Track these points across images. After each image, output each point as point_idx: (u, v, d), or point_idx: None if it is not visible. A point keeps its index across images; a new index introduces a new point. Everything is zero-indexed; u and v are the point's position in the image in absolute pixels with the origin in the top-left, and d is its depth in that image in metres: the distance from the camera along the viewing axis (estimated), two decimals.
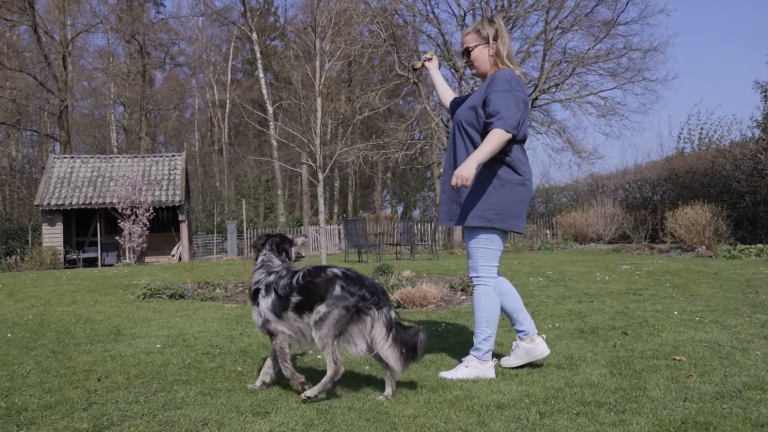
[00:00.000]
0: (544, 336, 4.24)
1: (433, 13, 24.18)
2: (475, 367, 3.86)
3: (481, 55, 3.99)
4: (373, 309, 3.42)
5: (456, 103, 4.27)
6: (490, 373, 3.85)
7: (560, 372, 3.87)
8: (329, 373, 3.38)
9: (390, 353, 3.40)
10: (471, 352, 3.94)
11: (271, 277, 3.69)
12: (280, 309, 3.58)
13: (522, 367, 4.06)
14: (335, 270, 3.56)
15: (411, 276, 9.92)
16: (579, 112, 26.25)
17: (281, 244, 3.93)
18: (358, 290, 3.44)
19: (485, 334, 3.92)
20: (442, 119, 23.15)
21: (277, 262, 3.85)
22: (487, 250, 3.92)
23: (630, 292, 7.56)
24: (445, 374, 3.87)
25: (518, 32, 24.89)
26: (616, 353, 4.29)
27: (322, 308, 3.44)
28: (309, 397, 3.35)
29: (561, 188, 28.44)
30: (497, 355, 4.19)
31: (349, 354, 3.43)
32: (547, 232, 24.05)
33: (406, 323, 3.93)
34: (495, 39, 3.94)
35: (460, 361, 3.99)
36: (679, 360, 4.02)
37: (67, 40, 34.25)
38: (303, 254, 4.13)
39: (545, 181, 32.94)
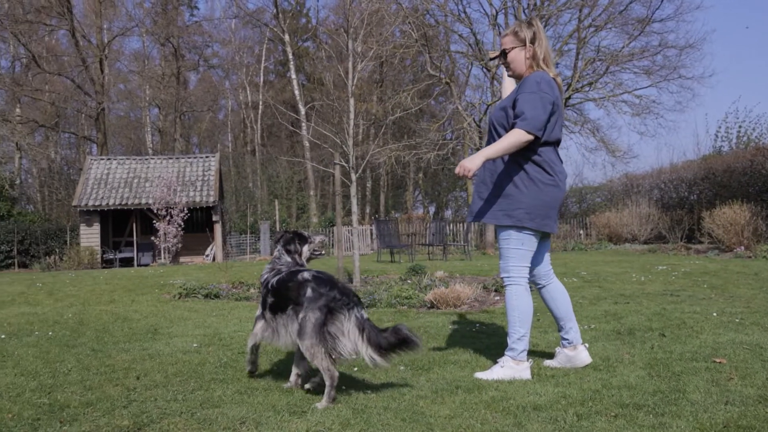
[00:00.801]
0: (587, 345, 4.19)
1: (464, 12, 24.10)
2: (510, 368, 3.84)
3: (518, 58, 3.99)
4: (344, 309, 3.44)
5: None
6: (526, 374, 3.83)
7: (597, 373, 3.83)
8: (327, 383, 3.38)
9: (366, 354, 3.41)
10: (506, 352, 3.93)
11: (271, 274, 3.82)
12: (262, 306, 3.79)
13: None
14: (305, 274, 3.63)
15: (444, 276, 9.91)
16: (613, 110, 25.84)
17: (291, 242, 3.97)
18: (328, 291, 3.48)
19: (519, 333, 3.91)
20: (474, 119, 23.05)
21: (285, 259, 3.91)
22: (517, 250, 3.92)
23: (667, 293, 7.46)
24: (481, 375, 3.86)
25: (551, 31, 24.69)
26: (653, 355, 4.23)
27: (301, 314, 3.49)
28: (320, 408, 3.30)
29: (595, 188, 28.13)
30: (531, 354, 4.16)
31: (342, 355, 3.43)
32: (581, 232, 23.81)
33: (419, 324, 3.92)
34: (532, 42, 3.93)
35: (496, 362, 3.97)
36: (720, 362, 3.95)
37: (104, 44, 34.84)
38: (322, 252, 4.15)
39: (578, 180, 32.66)
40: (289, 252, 3.95)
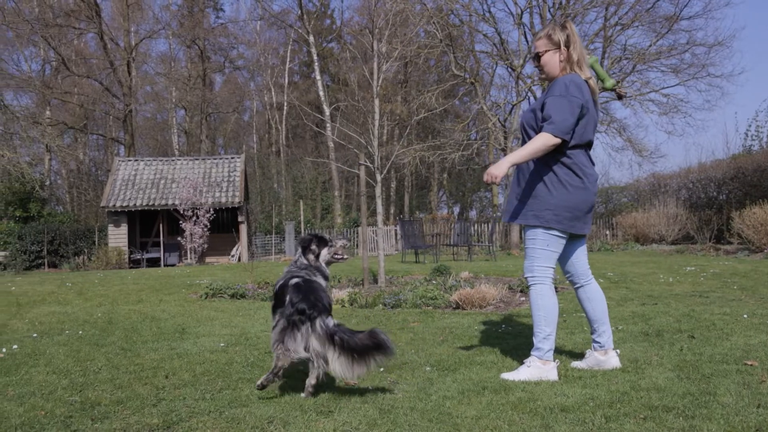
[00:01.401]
0: (618, 351, 4.16)
1: (489, 12, 24.07)
2: (537, 368, 3.82)
3: (551, 61, 3.97)
4: (306, 323, 3.51)
5: None
6: (553, 375, 3.81)
7: (625, 375, 3.79)
8: (273, 365, 3.55)
9: (336, 365, 3.47)
10: (532, 352, 3.91)
11: (280, 277, 3.92)
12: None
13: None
14: (292, 280, 3.74)
15: (469, 277, 9.88)
16: (640, 110, 25.64)
17: (309, 244, 4.01)
18: (299, 303, 3.56)
19: (544, 333, 3.89)
20: (499, 119, 22.96)
21: (302, 261, 3.97)
22: (543, 250, 3.92)
23: (695, 294, 7.37)
24: (507, 375, 3.84)
25: (576, 29, 24.45)
26: (683, 357, 4.18)
27: (278, 315, 3.66)
28: (260, 385, 3.53)
29: (621, 188, 27.82)
30: (557, 356, 4.14)
31: (289, 355, 3.51)
32: (607, 232, 23.59)
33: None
34: (567, 45, 3.93)
35: (522, 362, 3.96)
36: (751, 365, 3.89)
37: (131, 47, 35.25)
38: (344, 257, 4.16)
39: (605, 180, 32.28)
40: (306, 254, 3.99)
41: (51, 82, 35.35)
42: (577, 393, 3.44)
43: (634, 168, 67.38)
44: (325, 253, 4.03)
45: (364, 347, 3.41)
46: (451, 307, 7.08)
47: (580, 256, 4.13)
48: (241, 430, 3.00)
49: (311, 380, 3.55)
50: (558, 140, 3.75)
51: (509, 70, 23.46)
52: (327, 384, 3.77)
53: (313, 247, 4.00)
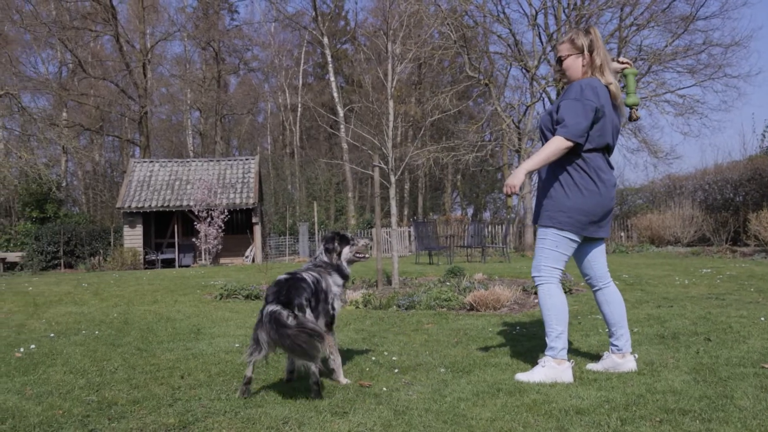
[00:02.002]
0: (636, 355, 4.14)
1: (503, 13, 23.95)
2: (551, 368, 3.81)
3: (574, 65, 3.98)
4: (265, 307, 3.60)
5: None
6: (567, 375, 3.80)
7: (641, 378, 3.78)
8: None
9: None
10: (546, 352, 3.90)
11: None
12: None
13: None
14: (281, 276, 3.86)
15: (483, 279, 9.86)
16: (655, 110, 25.37)
17: (331, 241, 4.05)
18: (269, 298, 3.66)
19: (556, 331, 3.89)
20: (513, 120, 22.89)
21: (322, 258, 4.01)
22: (551, 251, 3.93)
23: (712, 296, 7.32)
24: (522, 376, 3.84)
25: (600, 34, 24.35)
26: (699, 360, 4.16)
27: None
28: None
29: (636, 189, 27.65)
30: (572, 357, 4.12)
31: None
32: (622, 234, 23.46)
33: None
34: (590, 50, 3.93)
35: (536, 363, 3.95)
36: None
37: (147, 49, 35.47)
38: (366, 256, 4.18)
39: (620, 182, 32.12)
40: (327, 251, 4.01)
41: (68, 84, 35.66)
42: (592, 395, 3.43)
43: (649, 169, 66.95)
44: (346, 251, 4.05)
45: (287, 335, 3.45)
46: (465, 309, 7.07)
47: (599, 259, 4.11)
48: (257, 430, 3.02)
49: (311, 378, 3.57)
50: (570, 143, 3.75)
51: (523, 71, 23.38)
52: (342, 384, 3.79)
53: (336, 245, 4.02)
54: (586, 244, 4.05)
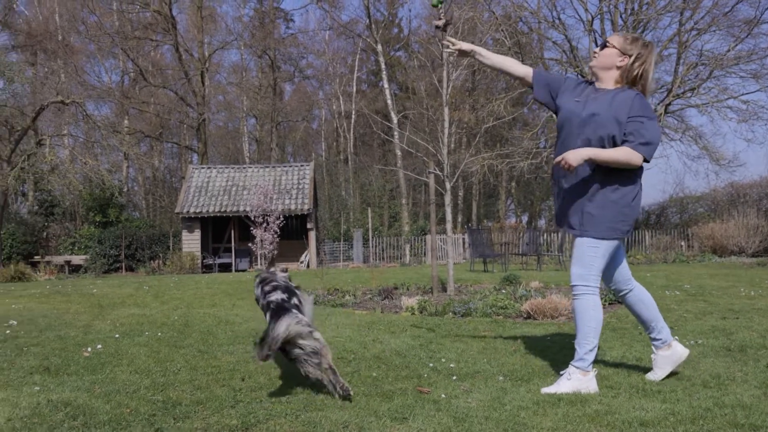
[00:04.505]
0: (677, 337, 4.06)
1: (559, 19, 23.69)
2: (577, 379, 3.75)
3: (609, 57, 3.93)
4: None
5: (551, 85, 4.21)
6: (593, 385, 3.75)
7: (707, 391, 3.68)
8: None
9: None
10: (573, 363, 3.82)
11: None
12: None
13: (667, 377, 3.96)
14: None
15: (539, 287, 9.76)
16: (717, 117, 24.88)
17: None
18: None
19: (592, 344, 3.84)
20: None
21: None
22: (601, 260, 3.88)
23: None
24: (548, 390, 3.76)
25: (649, 35, 23.88)
26: None
27: None
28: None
29: (697, 197, 26.95)
30: (624, 368, 4.05)
31: None
32: (682, 243, 22.87)
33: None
34: (634, 59, 3.87)
35: (560, 375, 3.89)
36: None
37: (205, 57, 36.27)
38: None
39: (679, 190, 31.34)
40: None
41: (129, 92, 36.72)
42: (656, 407, 3.35)
43: (710, 177, 65.06)
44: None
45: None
46: (522, 317, 7.00)
47: (624, 262, 4.09)
48: None
49: None
50: (643, 163, 3.78)
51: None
52: (401, 390, 3.80)
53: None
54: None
